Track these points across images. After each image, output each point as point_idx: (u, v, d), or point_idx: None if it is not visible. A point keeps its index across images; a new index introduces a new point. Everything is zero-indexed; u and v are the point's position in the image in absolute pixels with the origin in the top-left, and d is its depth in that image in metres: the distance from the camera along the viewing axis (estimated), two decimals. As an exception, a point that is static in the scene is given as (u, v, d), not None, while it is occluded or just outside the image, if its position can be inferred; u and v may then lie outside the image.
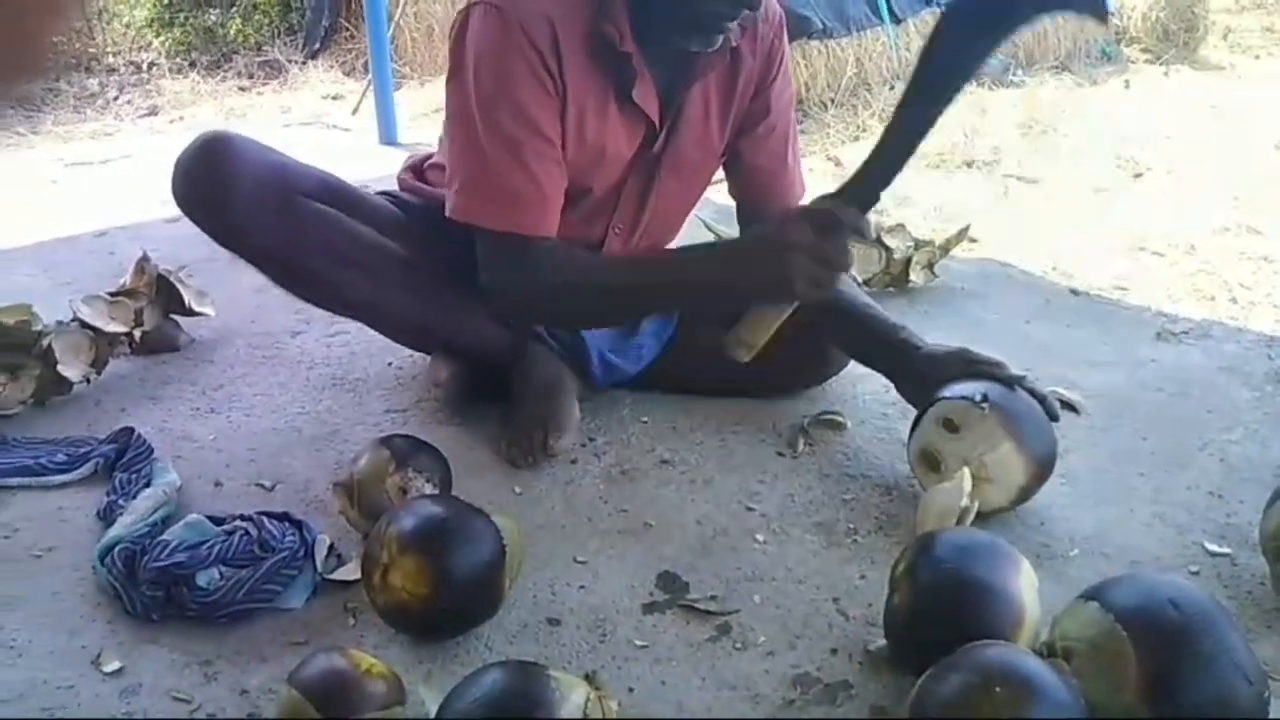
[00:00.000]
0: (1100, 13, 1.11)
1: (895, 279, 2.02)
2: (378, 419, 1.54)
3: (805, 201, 1.56)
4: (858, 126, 3.62)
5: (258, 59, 4.94)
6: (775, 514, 1.30)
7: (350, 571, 1.15)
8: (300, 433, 1.50)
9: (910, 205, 2.69)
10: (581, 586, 1.16)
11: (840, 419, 1.51)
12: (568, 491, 1.35)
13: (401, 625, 1.06)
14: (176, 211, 1.36)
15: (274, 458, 1.43)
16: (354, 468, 1.22)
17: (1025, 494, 1.26)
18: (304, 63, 4.89)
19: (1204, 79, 4.58)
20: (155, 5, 5.07)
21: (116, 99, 4.50)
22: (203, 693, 1.00)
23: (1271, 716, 0.87)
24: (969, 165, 3.10)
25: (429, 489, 1.21)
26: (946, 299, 2.01)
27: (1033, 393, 1.31)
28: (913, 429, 1.32)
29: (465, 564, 1.02)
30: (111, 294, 1.68)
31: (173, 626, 1.09)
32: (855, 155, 3.26)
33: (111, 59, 4.95)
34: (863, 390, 1.61)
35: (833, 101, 3.83)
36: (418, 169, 1.59)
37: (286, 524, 1.19)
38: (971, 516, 1.17)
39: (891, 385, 1.46)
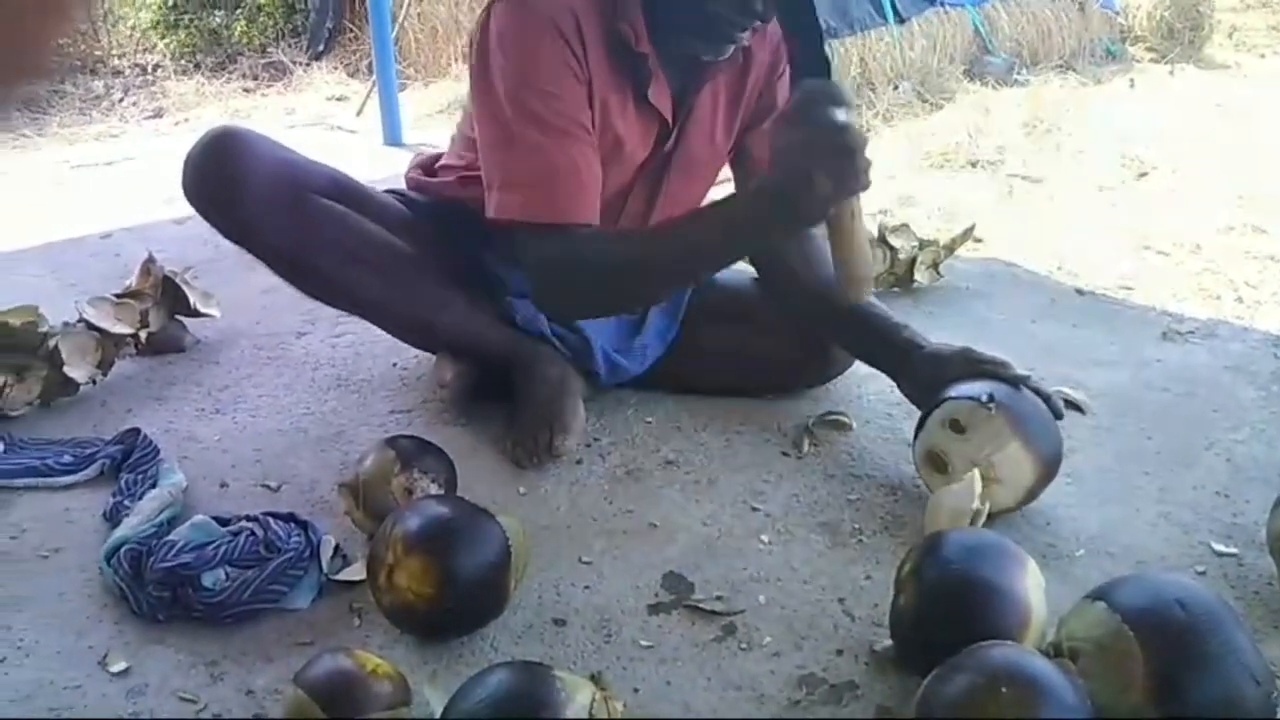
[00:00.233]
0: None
1: (900, 279, 2.02)
2: (383, 420, 1.54)
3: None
4: (862, 126, 3.61)
5: (262, 61, 4.95)
6: (780, 514, 1.30)
7: (356, 572, 1.15)
8: (305, 433, 1.50)
9: (914, 205, 2.69)
10: (586, 587, 1.16)
11: (845, 419, 1.51)
12: (573, 492, 1.35)
13: (407, 626, 1.06)
14: (182, 213, 1.36)
15: (279, 458, 1.43)
16: (359, 468, 1.22)
17: (1032, 494, 1.26)
18: (308, 64, 4.90)
19: (1209, 78, 4.57)
20: (160, 7, 5.08)
21: (122, 101, 4.51)
22: (209, 693, 1.01)
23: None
24: (973, 165, 3.10)
25: (434, 489, 1.21)
26: (951, 299, 2.01)
27: (1037, 391, 1.30)
28: (917, 430, 1.31)
29: (470, 564, 1.02)
30: (117, 295, 1.69)
31: (179, 627, 1.09)
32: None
33: (117, 61, 4.97)
34: (867, 390, 1.61)
35: (837, 101, 3.82)
36: (427, 168, 1.59)
37: (292, 525, 1.19)
38: (983, 519, 1.17)
39: (895, 385, 1.46)
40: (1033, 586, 0.97)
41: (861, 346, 1.49)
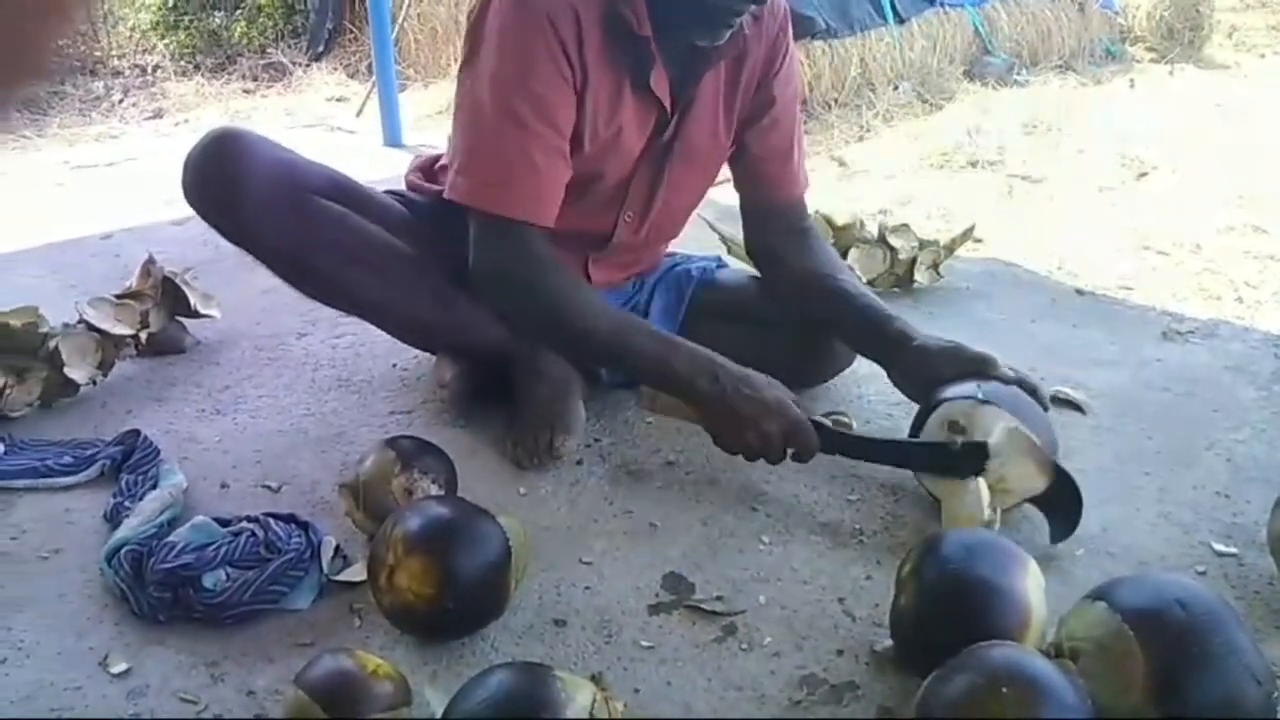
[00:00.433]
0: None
1: (900, 279, 2.02)
2: (383, 420, 1.54)
3: (806, 199, 1.58)
4: (862, 127, 3.62)
5: (262, 62, 4.95)
6: (781, 515, 1.30)
7: (356, 573, 1.15)
8: (306, 434, 1.50)
9: (914, 205, 2.69)
10: (587, 587, 1.16)
11: (845, 419, 1.50)
12: (573, 492, 1.35)
13: (407, 626, 1.06)
14: (182, 214, 1.36)
15: (280, 459, 1.43)
16: (359, 469, 1.22)
17: (1036, 488, 1.25)
18: (308, 65, 4.90)
19: (1209, 78, 4.57)
20: (160, 8, 5.08)
21: (121, 102, 4.51)
22: (209, 694, 1.01)
23: None
24: (973, 165, 3.10)
25: (434, 490, 1.21)
26: (951, 299, 2.01)
27: (1023, 383, 1.31)
28: (913, 434, 1.32)
29: (471, 565, 1.02)
30: (117, 296, 1.69)
31: (179, 628, 1.09)
32: (859, 155, 3.27)
33: (116, 62, 4.97)
34: (868, 390, 1.61)
35: (836, 102, 3.83)
36: (427, 169, 1.59)
37: (293, 525, 1.19)
38: (996, 526, 1.18)
39: (887, 375, 1.46)
40: (1033, 586, 0.97)
41: (852, 335, 1.50)
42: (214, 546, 1.13)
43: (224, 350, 1.78)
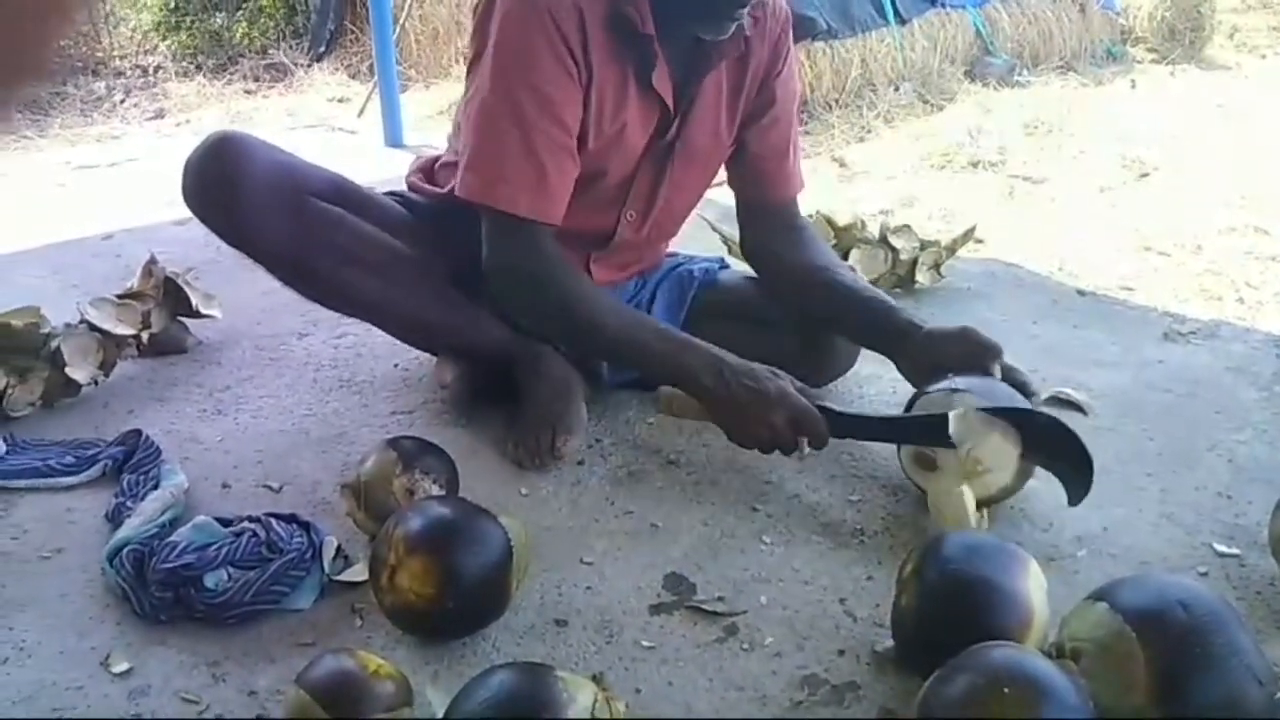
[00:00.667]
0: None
1: (901, 280, 2.02)
2: (384, 421, 1.54)
3: (806, 198, 1.58)
4: (863, 127, 3.61)
5: (263, 62, 4.95)
6: (782, 515, 1.30)
7: (357, 573, 1.15)
8: (307, 434, 1.50)
9: (916, 206, 2.69)
10: (588, 588, 1.16)
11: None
12: (574, 493, 1.35)
13: (408, 626, 1.06)
14: (183, 214, 1.36)
15: (281, 459, 1.43)
16: (361, 469, 1.22)
17: (1026, 471, 1.26)
18: (309, 66, 4.91)
19: (1210, 78, 4.57)
20: (161, 9, 5.09)
21: (123, 102, 4.52)
22: (211, 693, 1.01)
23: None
24: (974, 165, 3.10)
25: (436, 490, 1.21)
26: (953, 299, 2.01)
27: (1015, 380, 1.34)
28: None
29: (472, 565, 1.02)
30: (119, 296, 1.69)
31: (181, 628, 1.09)
32: (860, 156, 3.27)
33: (118, 62, 4.97)
34: (869, 391, 1.61)
35: (837, 103, 3.83)
36: (427, 170, 1.60)
37: (294, 525, 1.19)
38: (985, 525, 1.18)
39: (897, 387, 1.46)
40: (1034, 587, 0.97)
41: (859, 328, 1.50)
42: (215, 546, 1.13)
43: (225, 350, 1.78)
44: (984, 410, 1.23)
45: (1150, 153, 3.15)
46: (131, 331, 1.64)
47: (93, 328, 1.60)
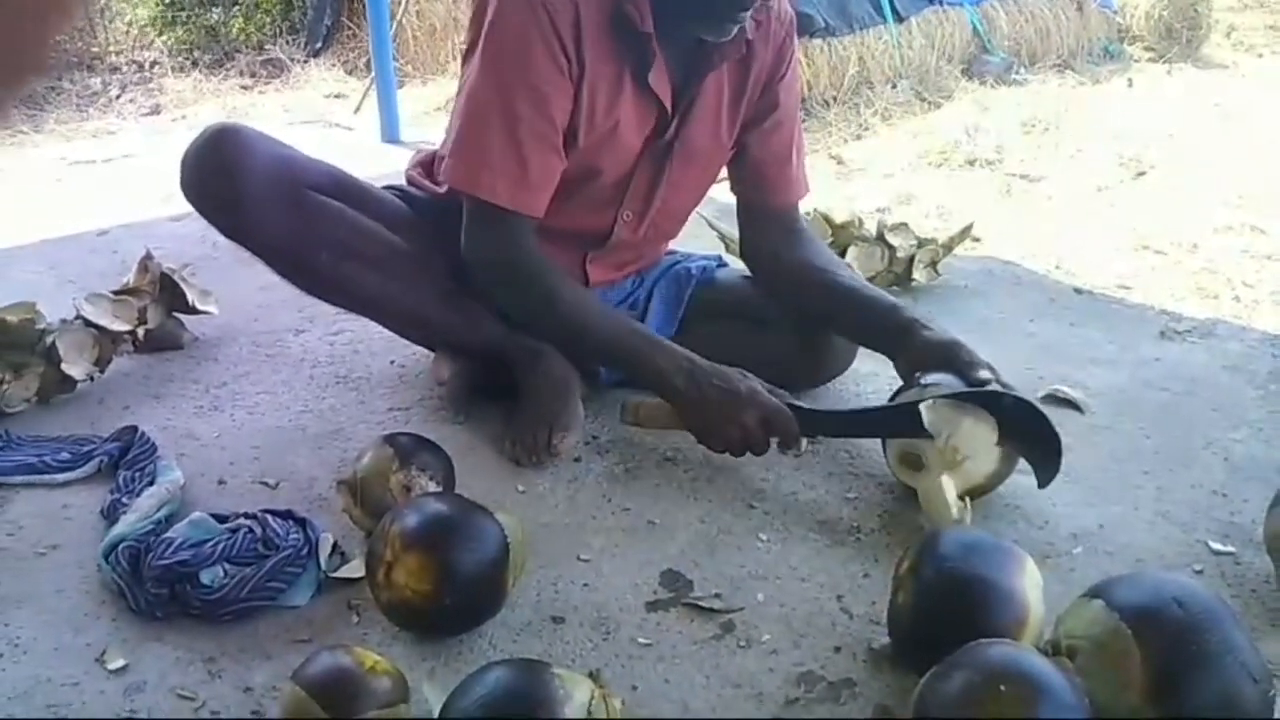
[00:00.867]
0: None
1: (898, 278, 2.02)
2: (381, 417, 1.54)
3: (806, 199, 1.58)
4: (860, 125, 3.62)
5: (260, 58, 4.94)
6: (778, 512, 1.30)
7: (354, 569, 1.15)
8: (304, 431, 1.50)
9: (913, 204, 2.69)
10: (585, 585, 1.16)
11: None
12: (571, 490, 1.35)
13: (405, 623, 1.06)
14: (180, 210, 1.36)
15: (278, 456, 1.43)
16: (357, 465, 1.22)
17: (1009, 455, 1.26)
18: (306, 61, 4.90)
19: (1207, 77, 4.57)
20: (158, 4, 5.07)
21: (119, 98, 4.51)
22: (207, 690, 1.00)
23: (1277, 716, 0.87)
24: (972, 164, 3.10)
25: (432, 487, 1.21)
26: (950, 298, 2.01)
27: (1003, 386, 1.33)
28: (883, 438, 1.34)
29: (469, 561, 1.02)
30: (115, 292, 1.69)
31: (177, 624, 1.09)
32: (857, 153, 3.27)
33: (114, 58, 4.96)
34: (866, 390, 1.61)
35: (835, 100, 3.83)
36: (427, 165, 1.59)
37: (290, 522, 1.19)
38: (969, 516, 1.19)
39: (895, 386, 1.46)
40: (1030, 585, 0.98)
41: (858, 327, 1.49)
42: (212, 543, 1.13)
43: (222, 346, 1.78)
44: (951, 396, 1.24)
45: (1147, 151, 3.15)
46: (127, 327, 1.64)
47: (88, 324, 1.59)
